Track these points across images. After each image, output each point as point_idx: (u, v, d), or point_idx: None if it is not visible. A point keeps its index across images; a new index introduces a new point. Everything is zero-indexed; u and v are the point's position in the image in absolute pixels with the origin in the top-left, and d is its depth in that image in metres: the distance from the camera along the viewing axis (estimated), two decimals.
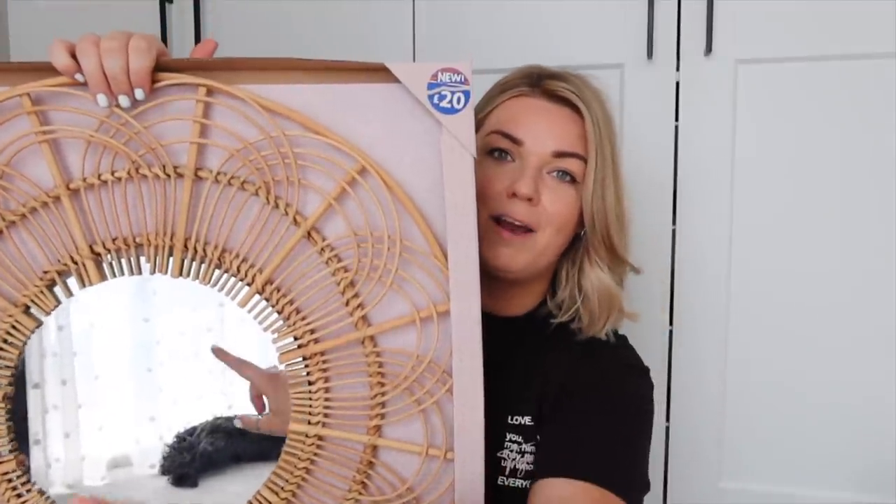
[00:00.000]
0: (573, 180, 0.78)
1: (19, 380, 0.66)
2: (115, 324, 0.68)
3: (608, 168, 0.78)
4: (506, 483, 0.78)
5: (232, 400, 0.68)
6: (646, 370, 0.82)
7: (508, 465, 0.78)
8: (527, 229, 0.77)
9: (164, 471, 0.68)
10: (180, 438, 0.68)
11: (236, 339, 0.68)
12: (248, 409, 0.68)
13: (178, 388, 0.68)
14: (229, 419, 0.68)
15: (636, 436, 0.78)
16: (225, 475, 0.69)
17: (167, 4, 1.24)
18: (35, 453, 0.67)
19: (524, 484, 0.77)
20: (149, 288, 0.67)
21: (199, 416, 0.68)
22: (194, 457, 0.68)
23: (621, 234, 0.80)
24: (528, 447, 0.78)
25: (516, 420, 0.79)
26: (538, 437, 0.78)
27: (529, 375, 0.80)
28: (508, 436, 0.79)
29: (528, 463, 0.78)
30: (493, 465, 0.77)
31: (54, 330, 0.66)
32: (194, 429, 0.68)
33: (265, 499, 0.66)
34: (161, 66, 0.61)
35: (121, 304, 0.67)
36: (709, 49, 1.06)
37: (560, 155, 0.77)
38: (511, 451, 0.78)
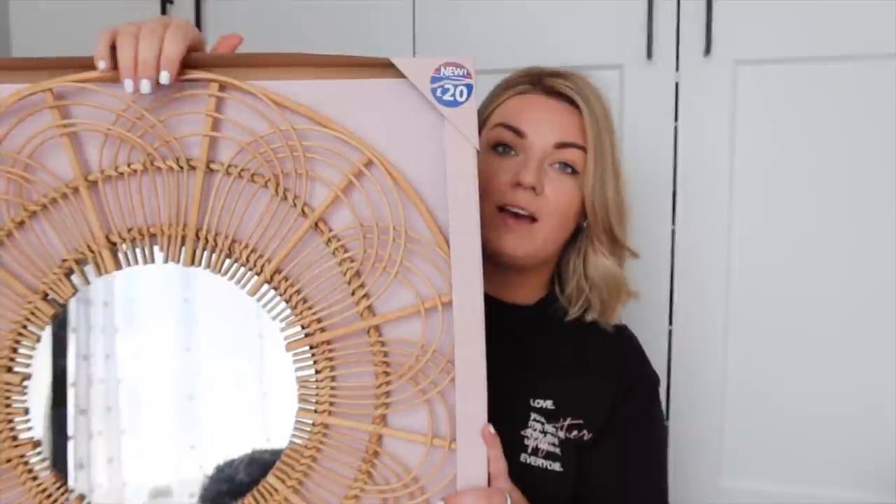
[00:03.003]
0: (574, 172, 0.81)
1: (58, 381, 0.68)
2: (157, 352, 0.69)
3: (607, 160, 0.81)
4: (528, 461, 0.80)
5: (270, 433, 0.69)
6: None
7: (531, 443, 0.80)
8: (531, 218, 0.79)
9: (203, 500, 0.69)
10: (219, 469, 0.69)
11: (274, 370, 0.68)
12: (285, 441, 0.69)
13: (217, 418, 0.70)
14: (267, 452, 0.69)
15: (665, 449, 0.88)
16: None
17: (168, 5, 1.25)
18: (79, 476, 0.68)
19: (545, 464, 0.80)
20: (191, 317, 0.69)
21: (239, 446, 0.69)
22: (232, 487, 0.68)
23: (622, 224, 0.84)
24: (549, 427, 0.80)
25: (538, 403, 0.81)
26: (590, 448, 0.82)
27: (550, 364, 0.83)
28: (532, 415, 0.81)
29: (550, 444, 0.80)
30: (516, 443, 0.79)
31: (102, 358, 0.68)
32: (233, 460, 0.69)
33: (272, 487, 0.67)
34: None
35: (164, 333, 0.69)
36: (708, 50, 1.06)
37: (561, 146, 0.80)
38: (534, 430, 0.80)
